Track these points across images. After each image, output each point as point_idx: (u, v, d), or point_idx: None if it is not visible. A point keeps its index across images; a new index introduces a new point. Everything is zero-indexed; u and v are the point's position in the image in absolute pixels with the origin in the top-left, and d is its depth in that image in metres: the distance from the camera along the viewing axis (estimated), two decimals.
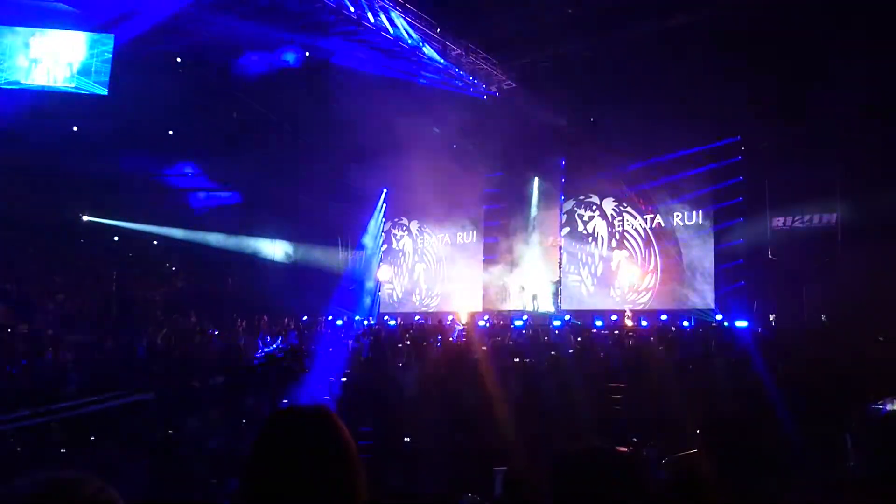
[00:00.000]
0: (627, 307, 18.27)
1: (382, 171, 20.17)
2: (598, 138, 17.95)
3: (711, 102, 15.56)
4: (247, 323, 18.19)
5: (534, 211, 21.19)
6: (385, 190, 23.84)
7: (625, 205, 19.02)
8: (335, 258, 23.88)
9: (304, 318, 20.46)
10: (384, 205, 24.30)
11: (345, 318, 20.70)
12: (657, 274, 18.28)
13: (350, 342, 16.00)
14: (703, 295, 17.25)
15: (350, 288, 23.47)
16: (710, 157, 17.06)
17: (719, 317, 16.20)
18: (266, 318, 19.10)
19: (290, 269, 22.69)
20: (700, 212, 17.62)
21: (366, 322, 20.24)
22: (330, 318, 20.69)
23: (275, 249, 23.03)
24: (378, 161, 19.17)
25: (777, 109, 14.80)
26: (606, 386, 9.94)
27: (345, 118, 16.67)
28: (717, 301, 16.94)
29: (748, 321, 14.71)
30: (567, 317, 18.46)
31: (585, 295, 19.54)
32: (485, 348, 14.05)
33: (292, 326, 19.59)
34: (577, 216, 19.95)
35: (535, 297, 20.20)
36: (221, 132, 17.82)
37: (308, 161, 19.15)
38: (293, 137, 18.24)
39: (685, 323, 16.36)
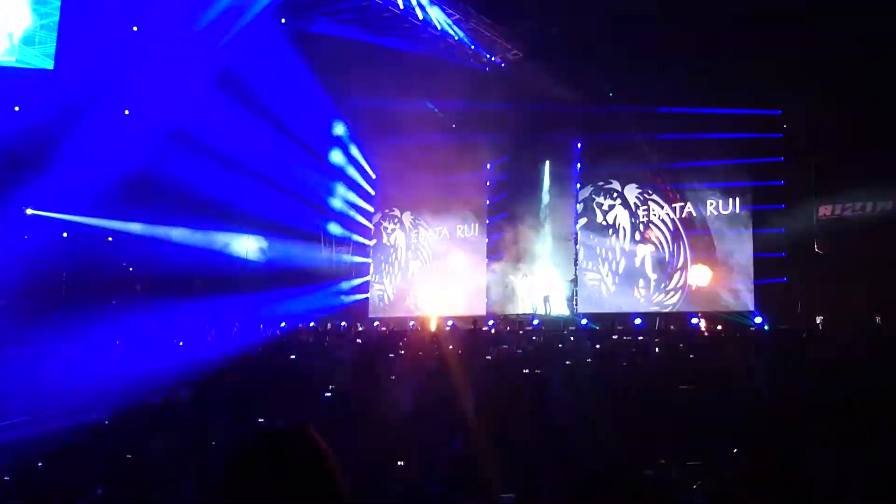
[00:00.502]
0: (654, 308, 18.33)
1: (371, 155, 20.20)
2: (618, 116, 17.93)
3: (747, 73, 15.55)
4: (217, 331, 18.20)
5: (545, 199, 21.14)
6: (375, 176, 23.85)
7: (650, 192, 19.00)
8: (317, 255, 23.85)
9: (283, 324, 20.47)
10: (374, 194, 24.32)
11: (328, 325, 20.71)
12: (687, 271, 18.31)
13: (336, 352, 16.01)
14: (739, 294, 17.24)
15: (335, 289, 23.45)
16: (746, 136, 17.02)
17: (758, 319, 16.20)
18: (238, 324, 19.11)
19: (265, 269, 22.63)
20: (736, 199, 17.59)
21: (353, 328, 20.24)
22: (312, 324, 20.70)
23: (248, 246, 23.00)
24: (366, 144, 19.21)
25: (822, 80, 14.80)
26: (630, 400, 9.95)
27: (328, 94, 16.65)
28: (756, 301, 16.95)
29: (792, 323, 14.74)
30: (584, 321, 18.47)
31: (605, 295, 19.54)
32: (489, 357, 14.05)
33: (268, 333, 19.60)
34: (595, 205, 19.93)
35: (546, 299, 20.23)
36: (185, 110, 17.78)
37: (286, 144, 19.11)
38: (269, 116, 18.19)
39: (719, 327, 16.34)
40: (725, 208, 17.79)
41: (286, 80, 17.71)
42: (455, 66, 17.84)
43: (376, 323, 22.42)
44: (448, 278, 22.55)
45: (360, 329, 20.16)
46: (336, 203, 23.21)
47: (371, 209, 24.50)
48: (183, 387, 11.81)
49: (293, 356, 15.39)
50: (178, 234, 21.27)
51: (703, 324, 16.78)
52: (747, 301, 17.10)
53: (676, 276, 18.46)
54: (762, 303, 16.81)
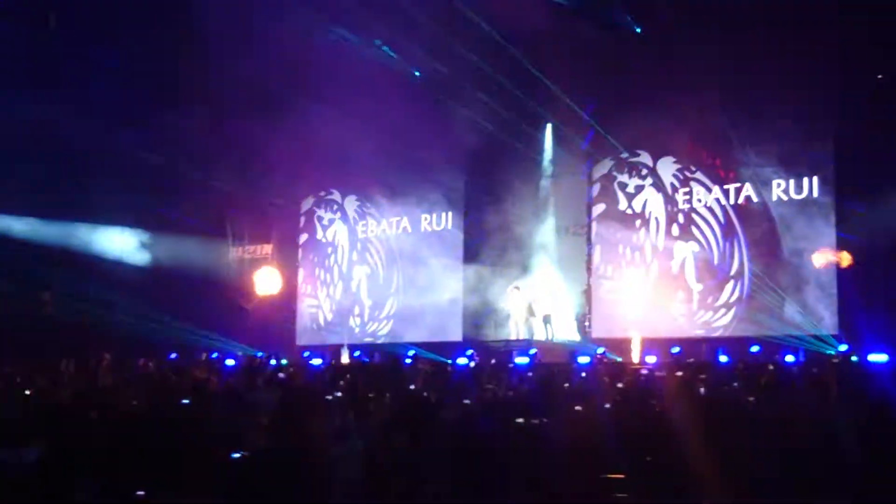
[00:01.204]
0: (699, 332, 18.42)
1: (296, 115, 19.94)
2: (649, 60, 17.93)
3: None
4: (76, 363, 18.01)
5: (546, 178, 21.24)
6: (300, 147, 23.64)
7: (693, 168, 19.06)
8: (223, 257, 23.65)
9: (173, 355, 20.31)
10: (301, 170, 24.14)
11: (240, 356, 20.55)
12: (744, 280, 18.37)
13: (248, 394, 15.93)
14: (817, 312, 17.31)
15: (248, 306, 23.29)
16: (829, 88, 17.03)
17: (844, 347, 16.24)
18: (108, 356, 18.92)
19: (148, 276, 22.42)
20: (815, 179, 17.59)
21: (274, 361, 20.10)
22: (215, 355, 20.54)
23: (123, 243, 22.76)
24: (288, 100, 18.99)
25: None
26: (665, 460, 9.99)
27: (228, 31, 16.55)
28: (840, 323, 17.00)
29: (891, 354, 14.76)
30: (601, 350, 18.43)
31: (630, 314, 19.55)
32: (468, 402, 14.03)
33: (152, 368, 19.41)
34: (616, 186, 19.98)
35: (547, 319, 20.15)
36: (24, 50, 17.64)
37: (173, 102, 18.92)
38: (147, 63, 18.04)
39: (789, 358, 16.37)
40: (799, 192, 17.78)
41: None
42: None
43: (307, 354, 22.24)
44: (410, 290, 22.54)
45: (284, 362, 20.02)
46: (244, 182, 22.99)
47: (298, 192, 24.36)
48: (29, 443, 11.64)
49: (186, 401, 15.28)
50: (23, 226, 21.00)
51: (765, 354, 16.75)
52: (828, 322, 17.15)
53: (729, 286, 18.50)
54: (848, 324, 16.75)
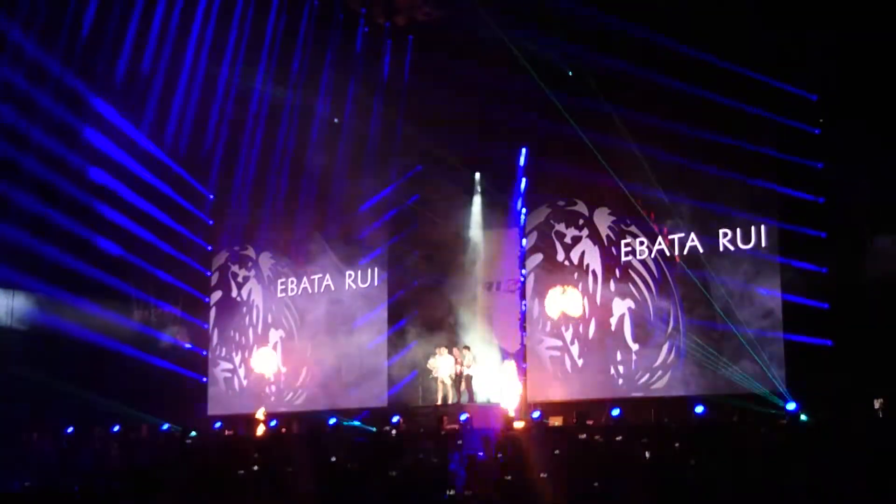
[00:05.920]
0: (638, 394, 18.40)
1: (206, 164, 19.92)
2: (582, 106, 18.14)
3: (771, 44, 16.06)
4: None
5: (474, 228, 21.32)
6: (212, 198, 23.56)
7: (628, 221, 19.13)
8: (125, 320, 23.34)
9: (70, 429, 20.03)
10: (211, 223, 24.05)
11: (142, 429, 20.28)
12: (680, 339, 18.38)
13: (154, 470, 15.78)
14: (764, 369, 17.25)
15: (154, 375, 22.97)
16: (770, 135, 17.38)
17: (791, 405, 16.27)
18: None
19: (37, 343, 22.09)
20: (762, 227, 17.70)
21: (181, 433, 19.85)
22: (117, 428, 20.26)
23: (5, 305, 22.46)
24: (200, 149, 18.97)
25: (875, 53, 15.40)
26: None
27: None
28: (788, 379, 16.97)
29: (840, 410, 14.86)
30: (536, 413, 18.34)
31: (571, 372, 19.46)
32: (394, 474, 14.04)
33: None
34: (554, 235, 19.94)
35: (468, 381, 19.84)
36: None
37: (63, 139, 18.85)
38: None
39: (734, 418, 16.47)
40: (747, 241, 17.84)
41: None
42: (338, 31, 17.97)
43: (219, 424, 21.94)
44: (330, 353, 22.30)
45: (193, 434, 19.79)
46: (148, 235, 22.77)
47: (207, 246, 24.26)
48: None
49: (77, 487, 15.15)
50: None
51: (710, 415, 16.70)
52: (775, 379, 17.09)
53: (665, 347, 18.48)
54: (796, 380, 16.84)
